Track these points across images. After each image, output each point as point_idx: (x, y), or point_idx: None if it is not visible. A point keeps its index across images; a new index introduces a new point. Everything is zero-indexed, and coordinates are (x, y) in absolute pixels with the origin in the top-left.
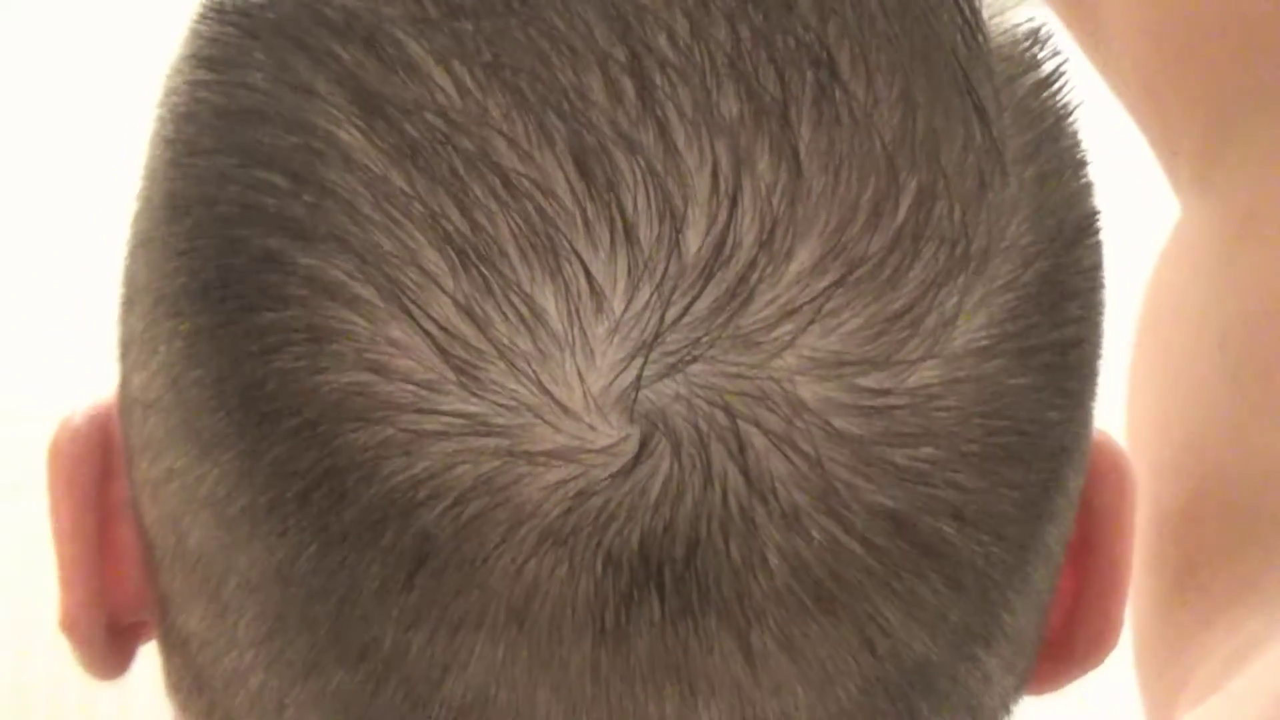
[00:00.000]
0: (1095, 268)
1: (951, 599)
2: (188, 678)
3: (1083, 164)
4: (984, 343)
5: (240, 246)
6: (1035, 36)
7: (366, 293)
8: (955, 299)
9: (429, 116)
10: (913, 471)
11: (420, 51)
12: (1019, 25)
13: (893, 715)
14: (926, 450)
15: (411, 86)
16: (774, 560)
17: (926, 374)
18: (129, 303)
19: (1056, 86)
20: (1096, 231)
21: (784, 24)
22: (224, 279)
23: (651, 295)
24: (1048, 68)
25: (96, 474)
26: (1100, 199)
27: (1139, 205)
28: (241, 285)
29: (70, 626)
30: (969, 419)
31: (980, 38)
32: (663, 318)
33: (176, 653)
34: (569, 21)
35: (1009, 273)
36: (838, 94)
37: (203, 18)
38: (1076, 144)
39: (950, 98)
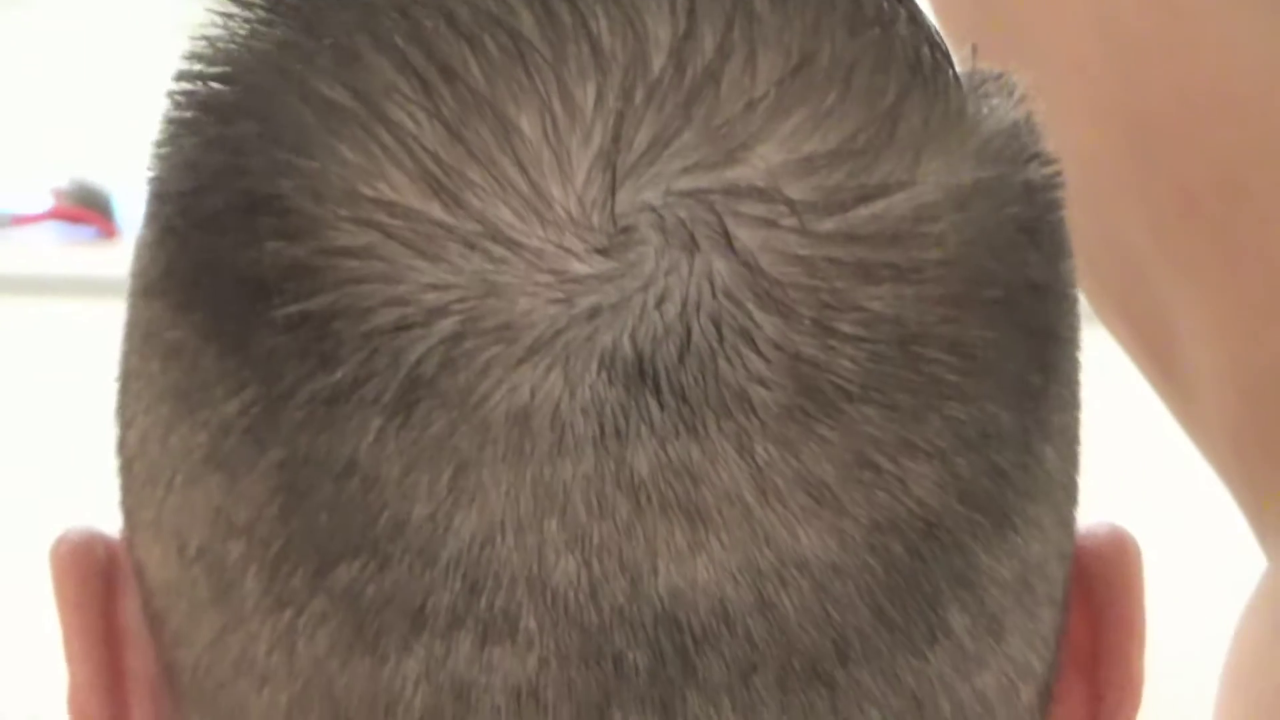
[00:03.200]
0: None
1: (953, 443)
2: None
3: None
4: (957, 182)
5: (205, 172)
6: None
7: (341, 137)
8: (921, 123)
9: None
10: (904, 276)
11: None
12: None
13: (905, 572)
14: (916, 255)
15: None
16: (770, 353)
17: (908, 186)
18: (123, 381)
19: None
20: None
21: None
22: (192, 205)
23: (620, 99)
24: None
25: (102, 565)
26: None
27: (1225, 561)
28: (211, 197)
29: None
30: (951, 244)
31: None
32: (633, 116)
33: (190, 709)
34: None
35: (974, 144)
36: None
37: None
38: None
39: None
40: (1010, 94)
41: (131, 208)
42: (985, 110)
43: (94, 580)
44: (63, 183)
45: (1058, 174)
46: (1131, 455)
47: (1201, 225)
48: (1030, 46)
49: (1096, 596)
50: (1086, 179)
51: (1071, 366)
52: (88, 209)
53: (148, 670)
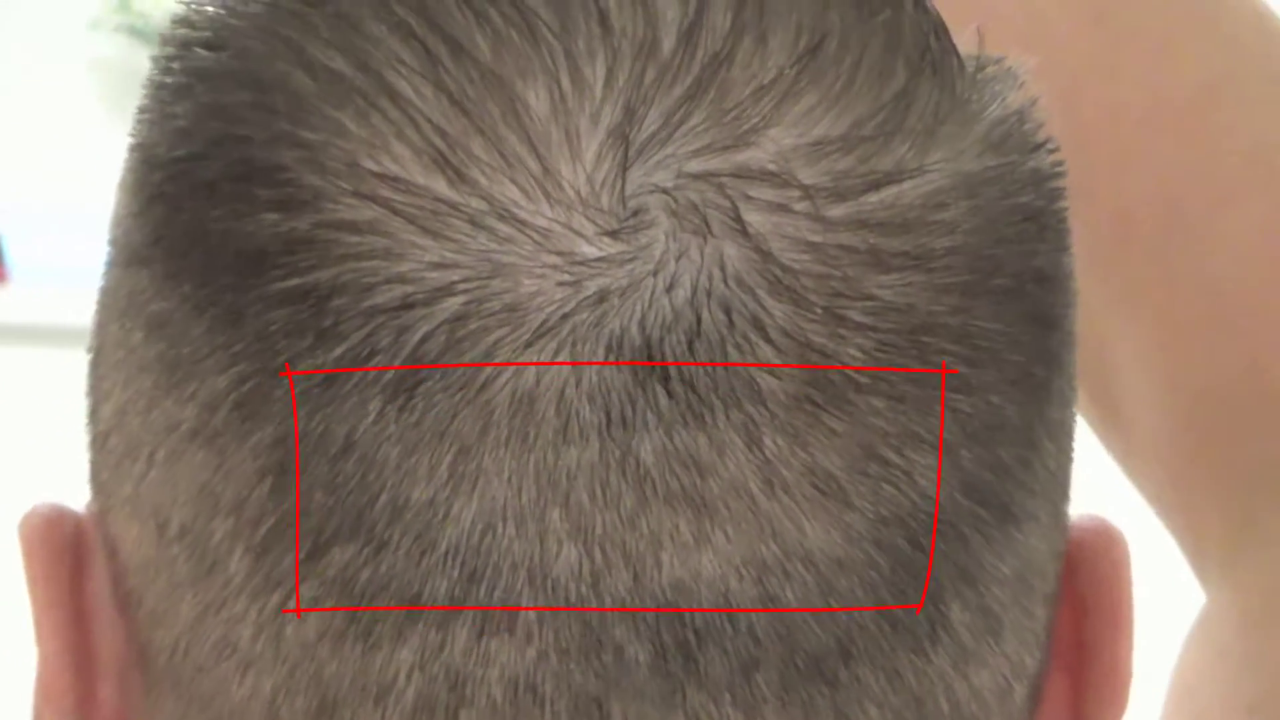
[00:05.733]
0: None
1: (958, 436)
2: (176, 704)
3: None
4: (966, 169)
5: (200, 139)
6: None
7: (343, 109)
8: (930, 109)
9: None
10: (914, 264)
11: None
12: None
13: (908, 566)
14: (926, 243)
15: None
16: (780, 342)
17: (918, 173)
18: (97, 353)
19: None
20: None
21: None
22: (185, 172)
23: (630, 80)
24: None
25: (70, 540)
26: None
27: (1165, 594)
28: (206, 165)
29: None
30: (961, 231)
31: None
32: (643, 97)
33: (165, 692)
34: None
35: (980, 131)
36: None
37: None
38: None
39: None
40: (1012, 80)
41: (22, 251)
42: (989, 97)
43: (64, 554)
44: None
45: (1061, 163)
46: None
47: (1138, 248)
48: None
49: (1082, 589)
50: None
51: (1070, 360)
52: None
53: (115, 649)
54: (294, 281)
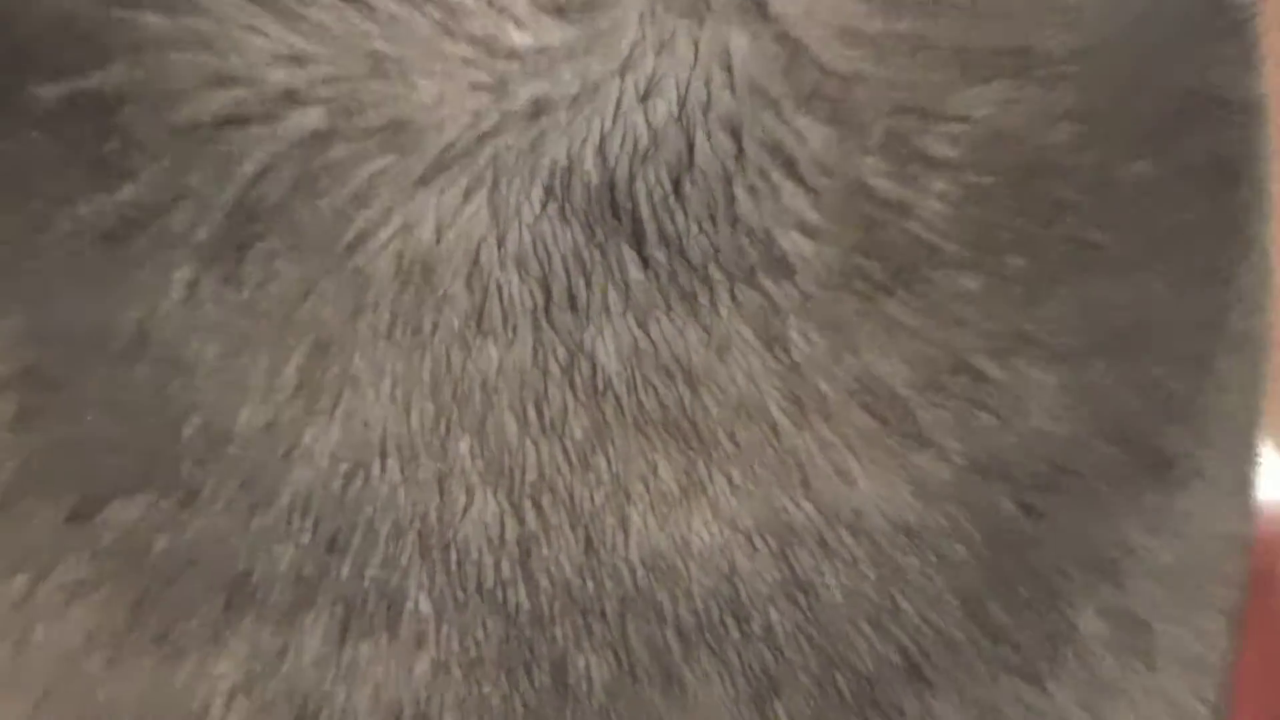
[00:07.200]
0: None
1: (1095, 339)
2: None
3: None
4: None
5: None
6: None
7: None
8: None
9: None
10: (1024, 70)
11: None
12: None
13: (1015, 543)
14: (1041, 39)
15: None
16: (818, 183)
17: None
18: None
19: None
20: None
21: None
22: None
23: None
24: None
25: None
26: None
27: None
28: None
29: None
30: (1093, 22)
31: None
32: None
33: None
34: None
35: None
36: None
37: None
38: None
39: None
40: None
41: None
42: None
43: None
44: None
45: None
46: None
47: None
48: None
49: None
50: None
51: (1265, 235)
52: None
53: None
54: (60, 86)
